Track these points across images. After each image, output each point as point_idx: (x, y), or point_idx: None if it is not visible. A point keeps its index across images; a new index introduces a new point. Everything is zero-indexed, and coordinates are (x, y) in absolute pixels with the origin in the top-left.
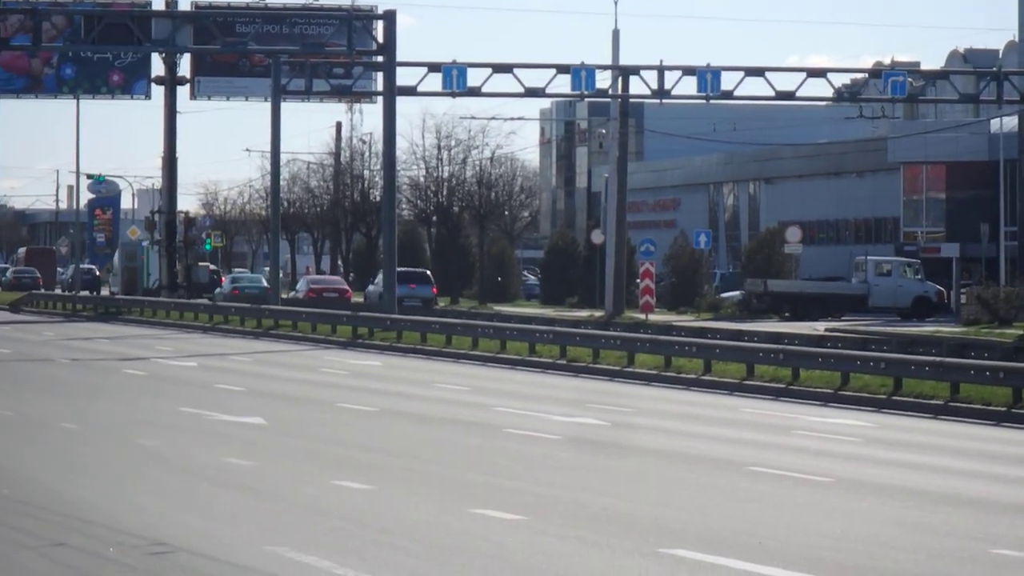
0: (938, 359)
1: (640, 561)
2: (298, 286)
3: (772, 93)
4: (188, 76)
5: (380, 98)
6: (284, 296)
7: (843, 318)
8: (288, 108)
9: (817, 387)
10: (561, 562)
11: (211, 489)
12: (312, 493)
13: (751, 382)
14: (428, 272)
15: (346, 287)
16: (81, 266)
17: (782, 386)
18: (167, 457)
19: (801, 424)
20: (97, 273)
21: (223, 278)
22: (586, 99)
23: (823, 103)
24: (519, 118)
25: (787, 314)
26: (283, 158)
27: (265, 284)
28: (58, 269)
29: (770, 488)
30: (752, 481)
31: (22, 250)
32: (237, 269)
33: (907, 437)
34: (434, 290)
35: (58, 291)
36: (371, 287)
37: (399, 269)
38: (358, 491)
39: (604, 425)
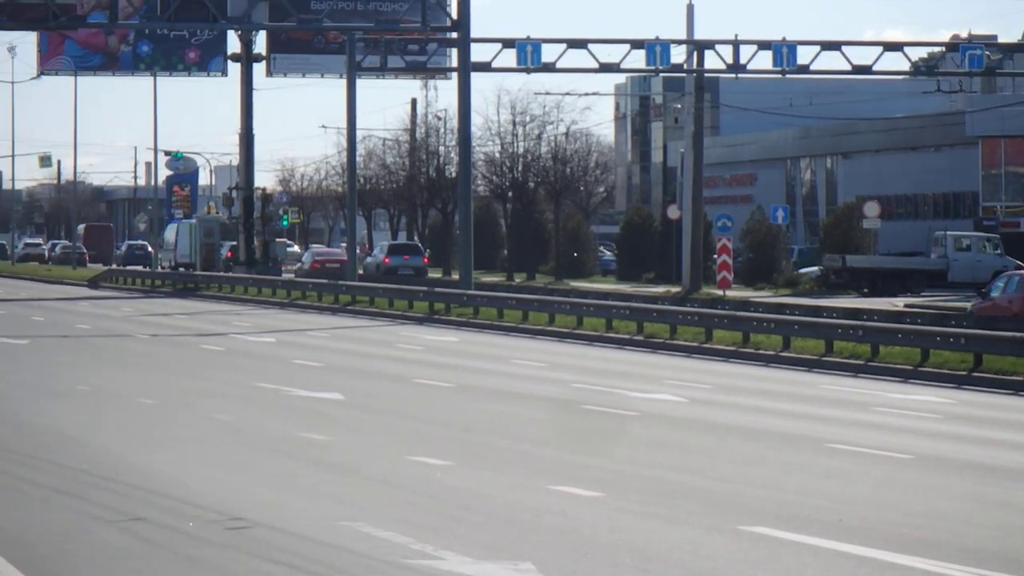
0: (1019, 335)
1: (719, 538)
2: (303, 258)
3: (848, 67)
4: (264, 53)
5: (455, 74)
6: (291, 268)
7: (922, 294)
8: (363, 85)
9: (896, 363)
10: (639, 538)
11: (288, 464)
12: (388, 468)
13: (829, 358)
14: (419, 244)
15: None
16: (132, 242)
17: (861, 362)
18: (245, 432)
19: (880, 401)
20: (149, 249)
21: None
22: (661, 74)
23: (900, 77)
24: (594, 93)
25: (865, 290)
26: (359, 134)
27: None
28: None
29: (849, 465)
30: (831, 458)
31: (81, 226)
32: (314, 245)
33: (987, 413)
34: (425, 260)
35: (112, 267)
36: (369, 259)
37: (394, 243)
38: (434, 466)
39: (682, 401)
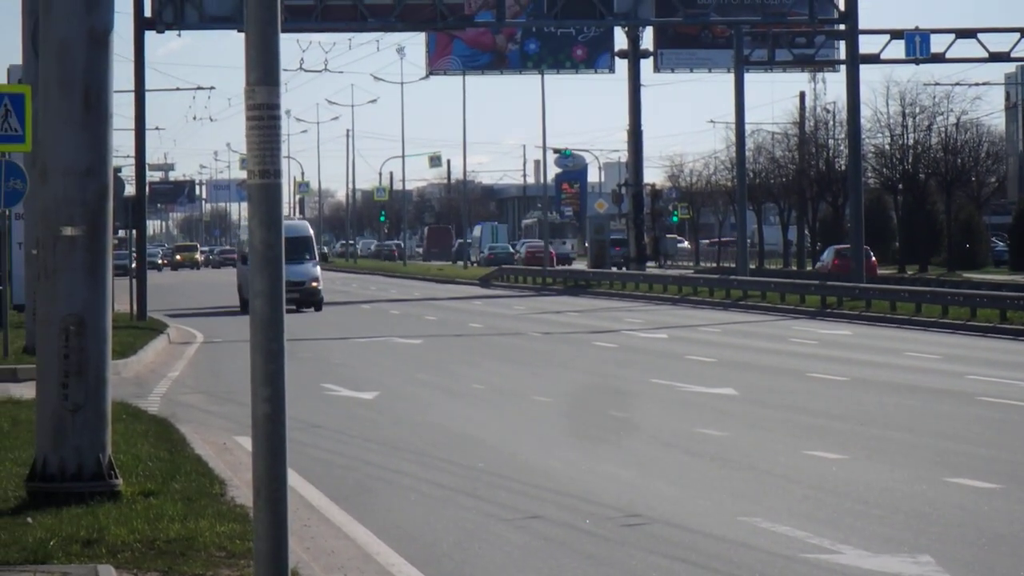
0: None
1: None
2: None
3: None
4: (651, 49)
5: (843, 66)
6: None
7: None
8: (750, 78)
9: None
10: None
11: (683, 459)
12: (783, 462)
13: None
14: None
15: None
16: (460, 240)
17: None
18: (639, 427)
19: None
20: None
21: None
22: None
23: None
24: (984, 83)
25: None
26: (747, 128)
27: (510, 249)
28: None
29: None
30: None
31: (426, 228)
32: (703, 241)
33: None
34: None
35: (445, 263)
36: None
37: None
38: (829, 460)
39: None
